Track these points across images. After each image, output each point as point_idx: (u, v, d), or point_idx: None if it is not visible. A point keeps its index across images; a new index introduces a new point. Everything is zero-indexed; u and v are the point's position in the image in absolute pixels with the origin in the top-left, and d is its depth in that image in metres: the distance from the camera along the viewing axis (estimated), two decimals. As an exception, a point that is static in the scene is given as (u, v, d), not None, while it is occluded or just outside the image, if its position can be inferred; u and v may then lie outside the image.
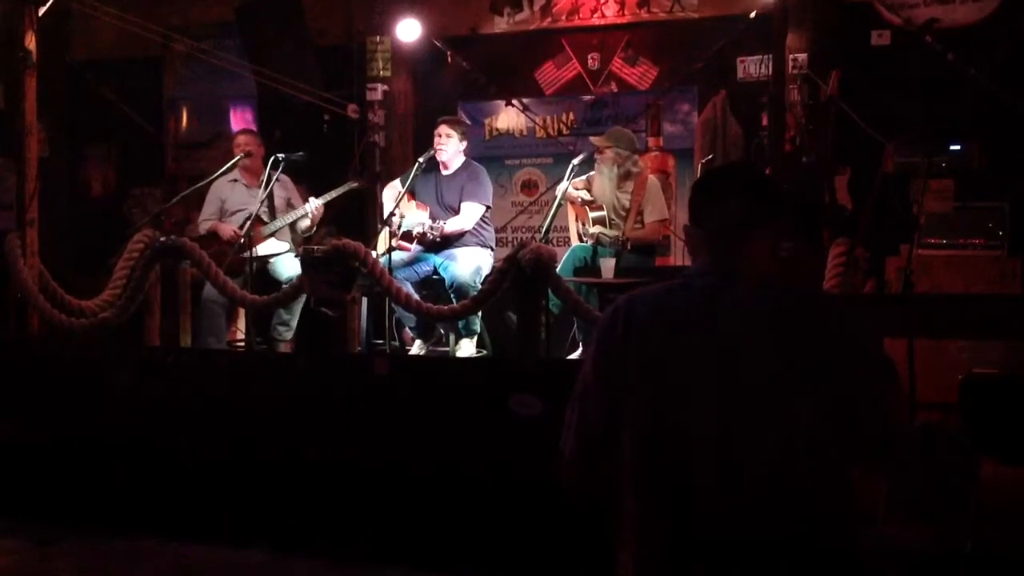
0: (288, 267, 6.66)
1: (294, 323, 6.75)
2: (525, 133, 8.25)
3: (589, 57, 7.97)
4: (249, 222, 6.45)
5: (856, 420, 2.04)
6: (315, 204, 6.76)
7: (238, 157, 6.94)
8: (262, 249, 6.72)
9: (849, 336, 2.09)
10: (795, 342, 2.05)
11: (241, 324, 7.15)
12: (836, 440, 2.03)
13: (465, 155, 6.78)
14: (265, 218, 6.79)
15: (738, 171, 2.49)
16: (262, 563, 4.98)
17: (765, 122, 6.81)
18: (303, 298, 6.38)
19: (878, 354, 2.15)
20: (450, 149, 6.65)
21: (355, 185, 6.93)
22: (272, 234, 6.80)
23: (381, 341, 6.41)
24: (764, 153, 6.73)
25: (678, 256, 7.33)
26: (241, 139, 7.15)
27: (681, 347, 2.10)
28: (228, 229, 6.77)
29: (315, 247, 6.14)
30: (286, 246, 6.84)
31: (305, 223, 6.83)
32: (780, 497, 2.01)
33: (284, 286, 6.35)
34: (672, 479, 2.08)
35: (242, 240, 6.42)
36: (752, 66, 7.34)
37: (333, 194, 6.83)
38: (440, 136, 6.65)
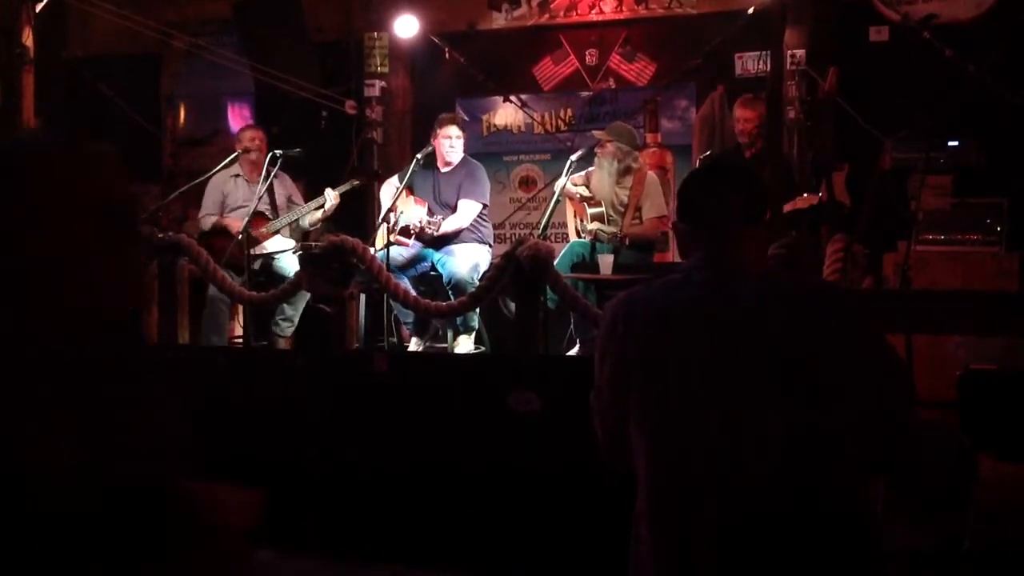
0: (293, 263, 6.65)
1: (296, 318, 6.74)
2: (523, 129, 8.24)
3: (587, 53, 7.96)
4: (248, 218, 6.45)
5: (864, 415, 2.04)
6: (332, 195, 6.72)
7: (237, 152, 6.94)
8: (269, 246, 6.73)
9: (856, 329, 2.08)
10: (800, 335, 2.04)
11: (240, 321, 7.14)
12: (843, 434, 2.03)
13: (463, 152, 6.78)
14: (268, 215, 6.79)
15: (735, 167, 2.49)
16: (262, 561, 4.96)
17: (739, 122, 6.75)
18: (306, 293, 6.38)
19: (885, 349, 2.14)
20: (460, 149, 6.66)
21: (356, 183, 6.93)
22: (278, 230, 6.80)
23: (380, 338, 6.41)
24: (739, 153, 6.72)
25: (677, 252, 7.33)
26: (249, 133, 7.10)
27: (684, 343, 2.10)
28: (238, 223, 6.74)
29: (313, 243, 6.13)
30: (292, 243, 6.83)
31: (316, 215, 6.79)
32: (786, 493, 2.01)
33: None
34: (679, 475, 2.07)
35: (240, 236, 6.41)
36: (750, 62, 7.34)
37: (344, 188, 6.83)
38: (451, 138, 6.61)
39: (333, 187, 6.83)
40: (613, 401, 2.20)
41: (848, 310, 2.11)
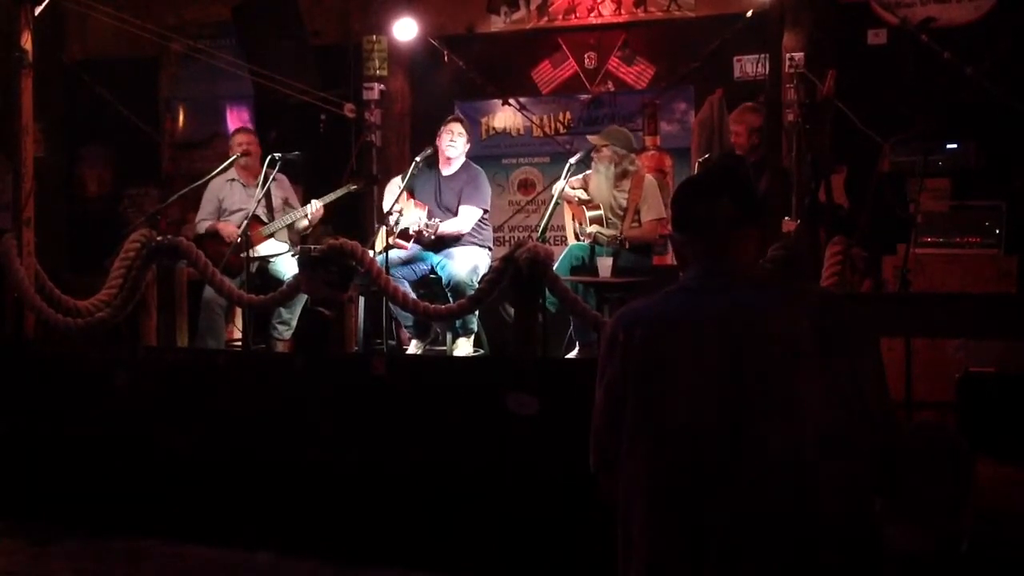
0: (289, 267, 6.65)
1: (294, 322, 6.74)
2: (522, 132, 8.25)
3: (586, 56, 7.98)
4: (246, 222, 6.45)
5: (864, 416, 2.05)
6: (315, 206, 6.74)
7: (234, 156, 6.94)
8: (262, 249, 6.72)
9: (854, 331, 2.09)
10: (799, 339, 2.05)
11: (238, 324, 7.14)
12: (846, 435, 2.03)
13: (465, 156, 6.79)
14: (264, 218, 6.79)
15: (725, 172, 2.51)
16: (261, 563, 4.97)
17: (733, 135, 6.75)
18: (303, 297, 6.37)
19: (876, 352, 2.16)
20: (460, 148, 6.67)
21: (353, 188, 6.93)
22: (272, 234, 6.79)
23: (379, 340, 6.40)
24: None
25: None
26: (240, 138, 7.13)
27: (683, 347, 2.11)
28: (230, 228, 6.75)
29: (312, 246, 6.13)
30: (286, 246, 6.83)
31: (303, 223, 6.82)
32: (791, 495, 2.02)
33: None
34: (684, 481, 2.08)
35: (239, 240, 6.41)
36: (749, 65, 7.33)
37: (333, 196, 6.82)
38: (452, 133, 6.64)
39: (332, 191, 6.83)
40: (608, 423, 2.21)
41: (846, 311, 2.12)
